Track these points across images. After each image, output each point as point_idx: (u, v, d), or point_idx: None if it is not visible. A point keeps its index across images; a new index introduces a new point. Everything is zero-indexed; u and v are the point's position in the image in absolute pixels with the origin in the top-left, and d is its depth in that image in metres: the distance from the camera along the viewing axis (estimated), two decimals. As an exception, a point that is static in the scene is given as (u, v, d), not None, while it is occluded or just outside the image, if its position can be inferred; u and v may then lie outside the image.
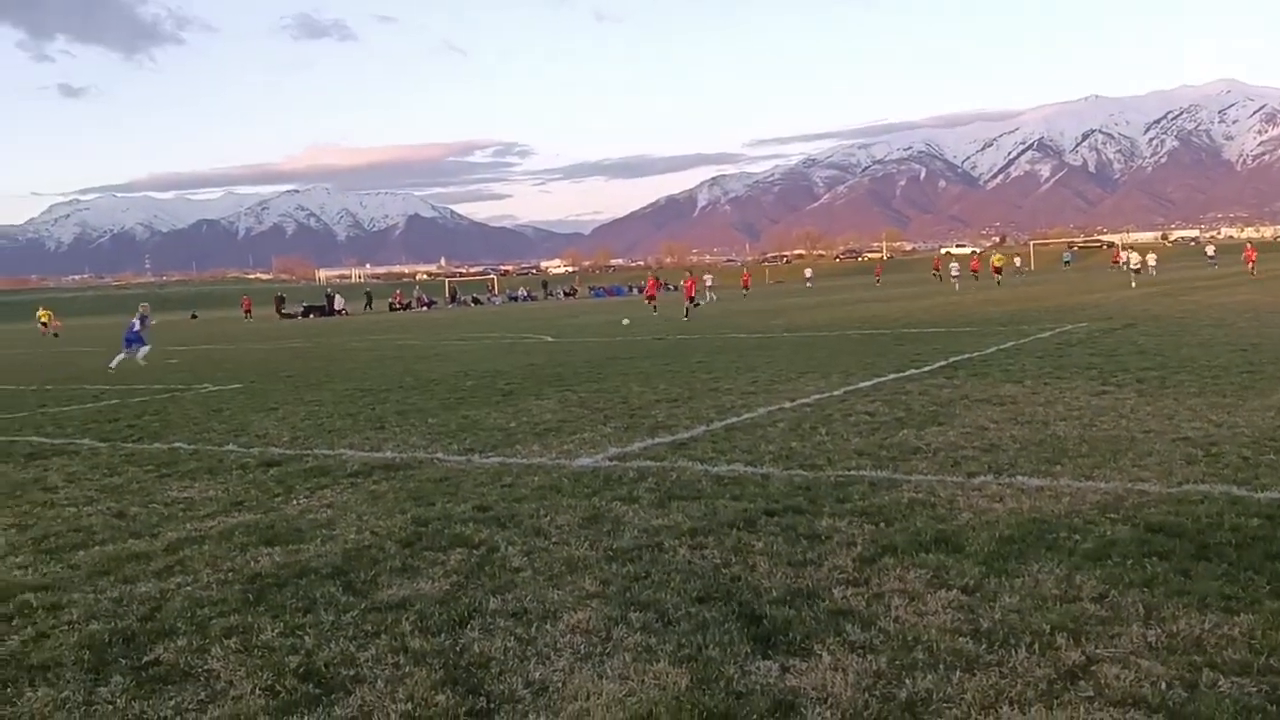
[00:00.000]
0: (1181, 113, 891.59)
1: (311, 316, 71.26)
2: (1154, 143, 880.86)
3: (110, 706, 4.09)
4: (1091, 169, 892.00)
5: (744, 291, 69.68)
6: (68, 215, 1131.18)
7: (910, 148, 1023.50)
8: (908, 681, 3.88)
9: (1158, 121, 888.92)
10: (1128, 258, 54.56)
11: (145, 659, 4.56)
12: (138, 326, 25.22)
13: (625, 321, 33.47)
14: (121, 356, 24.27)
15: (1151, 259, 53.06)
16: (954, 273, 57.30)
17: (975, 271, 62.89)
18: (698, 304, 44.85)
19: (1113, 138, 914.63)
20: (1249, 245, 61.99)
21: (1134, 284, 41.11)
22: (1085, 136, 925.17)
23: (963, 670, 3.95)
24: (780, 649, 4.24)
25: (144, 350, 24.96)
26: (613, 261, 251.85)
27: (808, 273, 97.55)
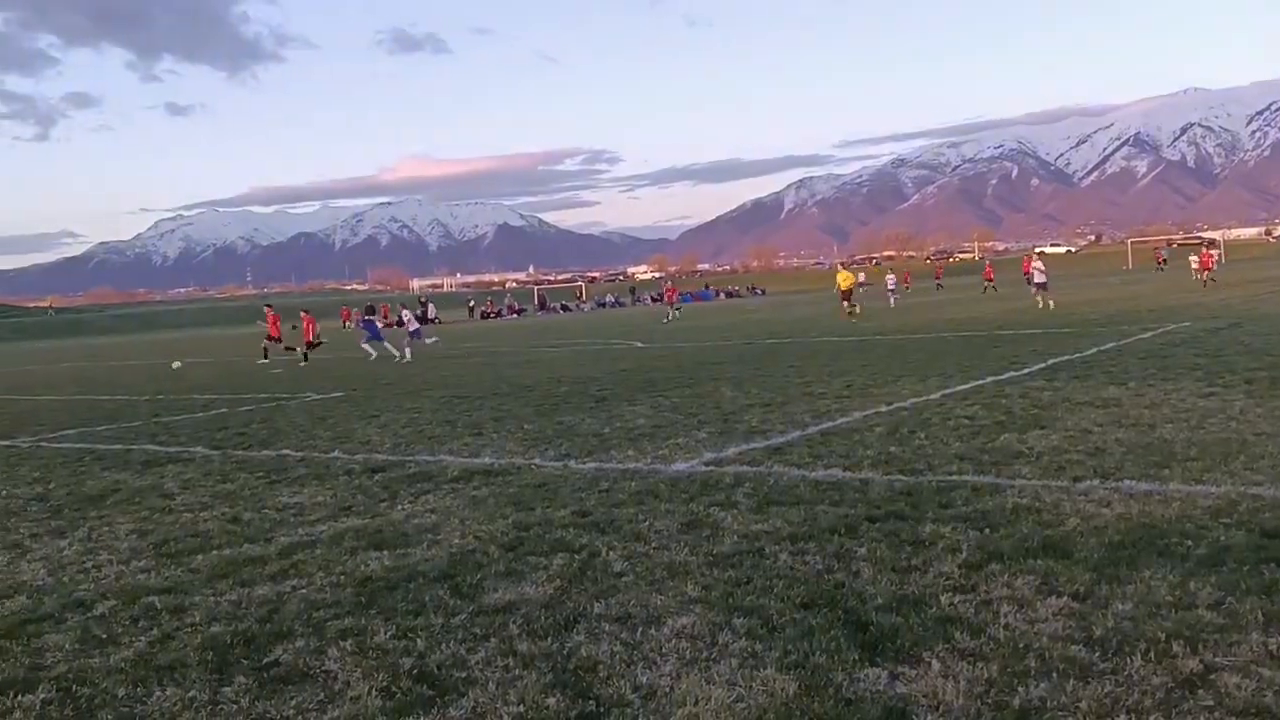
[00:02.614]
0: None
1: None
2: (1257, 135, 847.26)
3: (235, 706, 4.23)
4: (1190, 164, 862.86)
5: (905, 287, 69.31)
6: (173, 230, 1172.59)
7: (1001, 146, 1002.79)
8: (1020, 690, 3.82)
9: (1261, 113, 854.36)
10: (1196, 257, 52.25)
11: (265, 660, 4.72)
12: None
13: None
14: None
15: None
16: (889, 285, 49.32)
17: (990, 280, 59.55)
18: (679, 309, 47.96)
19: (1213, 131, 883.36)
20: None
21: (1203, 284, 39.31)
22: (1183, 130, 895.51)
23: (1076, 679, 3.88)
24: (888, 656, 4.22)
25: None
26: (699, 266, 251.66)
27: (861, 277, 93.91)
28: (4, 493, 9.90)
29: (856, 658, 4.21)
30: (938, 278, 77.64)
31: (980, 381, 13.29)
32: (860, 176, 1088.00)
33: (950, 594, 4.91)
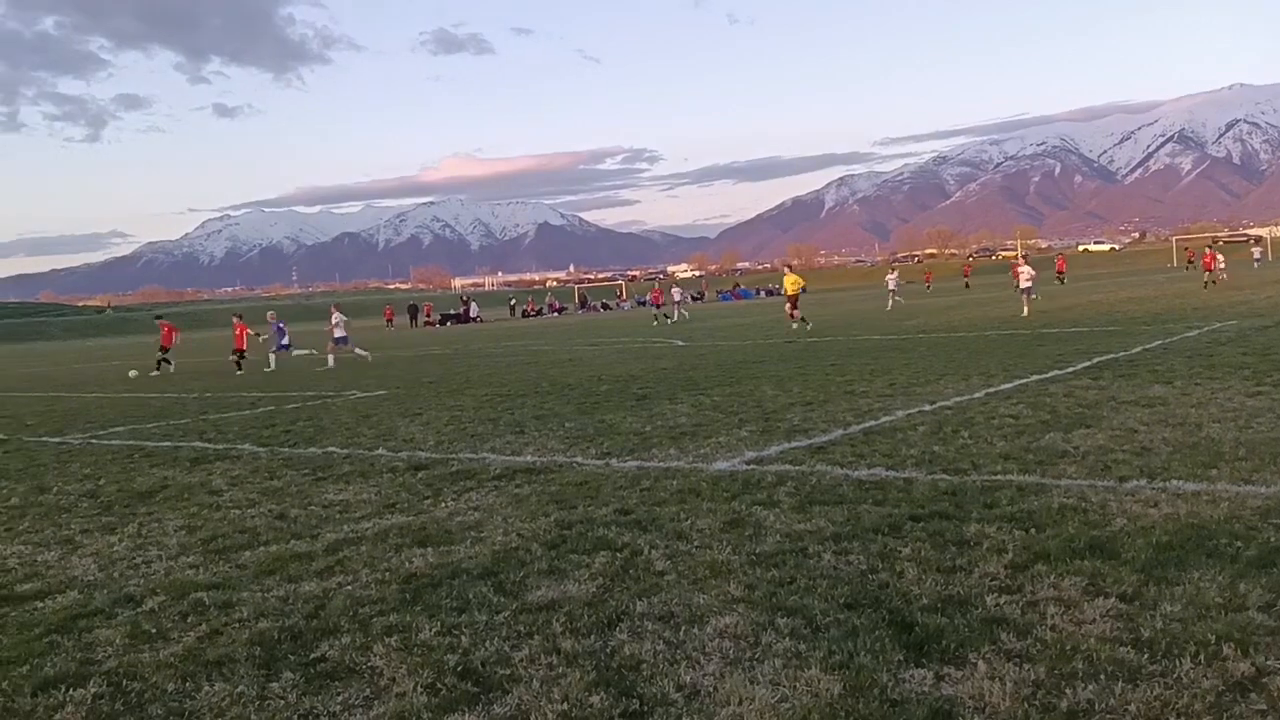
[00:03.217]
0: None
1: (449, 324, 73.21)
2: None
3: (282, 702, 4.28)
4: (1236, 160, 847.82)
5: (927, 287, 68.71)
6: (220, 230, 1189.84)
7: (1044, 143, 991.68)
8: (1068, 692, 3.78)
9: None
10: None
11: (312, 656, 4.77)
12: (280, 328, 28.23)
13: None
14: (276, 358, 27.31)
15: (1221, 261, 49.56)
16: (891, 286, 46.57)
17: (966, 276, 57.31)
18: (668, 315, 46.84)
19: (1259, 127, 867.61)
20: None
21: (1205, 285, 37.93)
22: (1229, 127, 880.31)
23: (1125, 681, 3.83)
24: (934, 657, 4.18)
25: (300, 351, 28.35)
26: (739, 265, 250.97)
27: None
28: (56, 489, 10.09)
29: (901, 658, 4.18)
30: (965, 275, 75.92)
31: (1024, 380, 13.14)
32: (902, 174, 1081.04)
33: (996, 595, 4.86)
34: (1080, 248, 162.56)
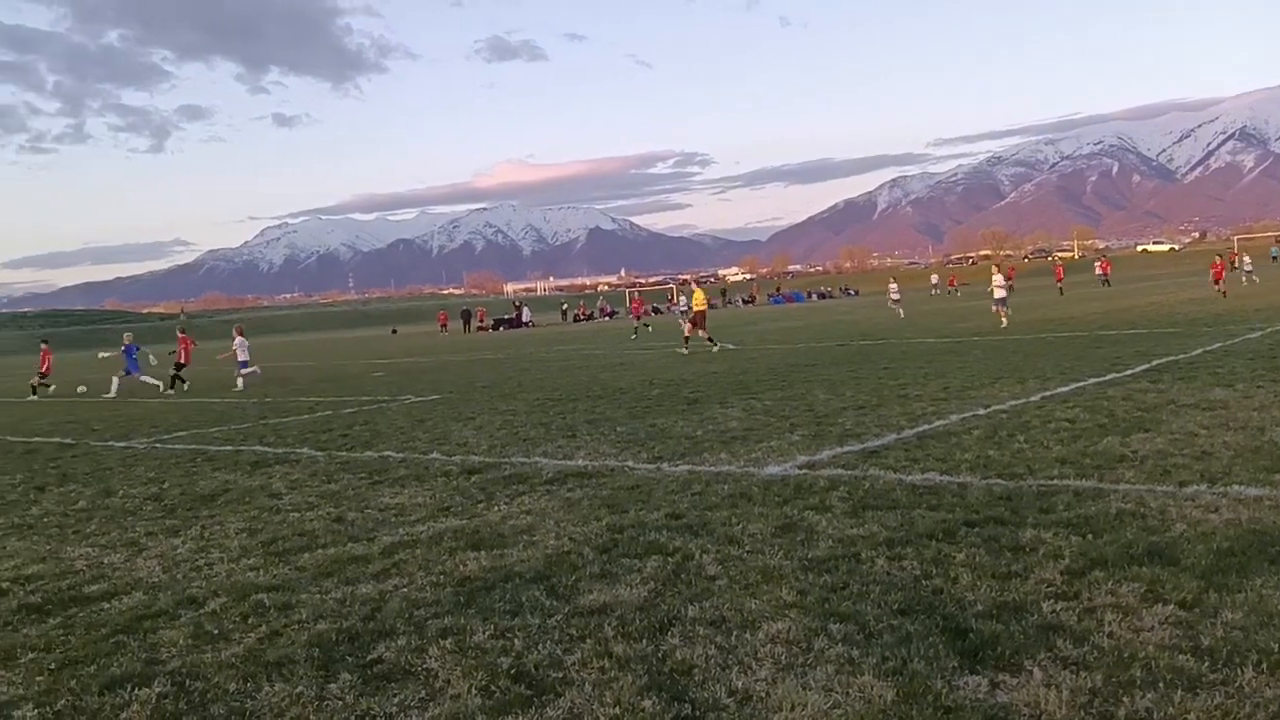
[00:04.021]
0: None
1: (501, 329, 73.74)
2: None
3: (340, 702, 4.35)
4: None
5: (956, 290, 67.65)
6: (278, 238, 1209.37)
7: (1101, 142, 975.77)
8: (1125, 700, 3.73)
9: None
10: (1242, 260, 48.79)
11: (369, 657, 4.84)
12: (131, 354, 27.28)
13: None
14: (118, 382, 26.41)
15: (1247, 261, 48.04)
16: (894, 295, 44.68)
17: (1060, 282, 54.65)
18: (648, 326, 44.81)
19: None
20: None
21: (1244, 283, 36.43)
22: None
23: (1184, 690, 3.77)
24: (989, 664, 4.15)
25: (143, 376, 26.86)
26: (791, 267, 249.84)
27: (934, 278, 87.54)
28: (121, 492, 10.33)
29: (956, 665, 4.15)
30: (1009, 278, 73.76)
31: (1081, 383, 12.96)
32: (955, 175, 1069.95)
33: (1052, 601, 4.81)
34: (1139, 248, 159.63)
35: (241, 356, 27.16)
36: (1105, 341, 19.58)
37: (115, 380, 26.68)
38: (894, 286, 46.49)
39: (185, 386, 26.56)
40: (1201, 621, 4.40)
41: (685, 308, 44.45)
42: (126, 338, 28.29)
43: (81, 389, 28.39)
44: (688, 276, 48.12)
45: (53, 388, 29.27)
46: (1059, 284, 53.78)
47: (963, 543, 5.90)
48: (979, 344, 21.65)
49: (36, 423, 20.04)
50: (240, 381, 26.09)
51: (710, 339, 28.19)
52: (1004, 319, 28.41)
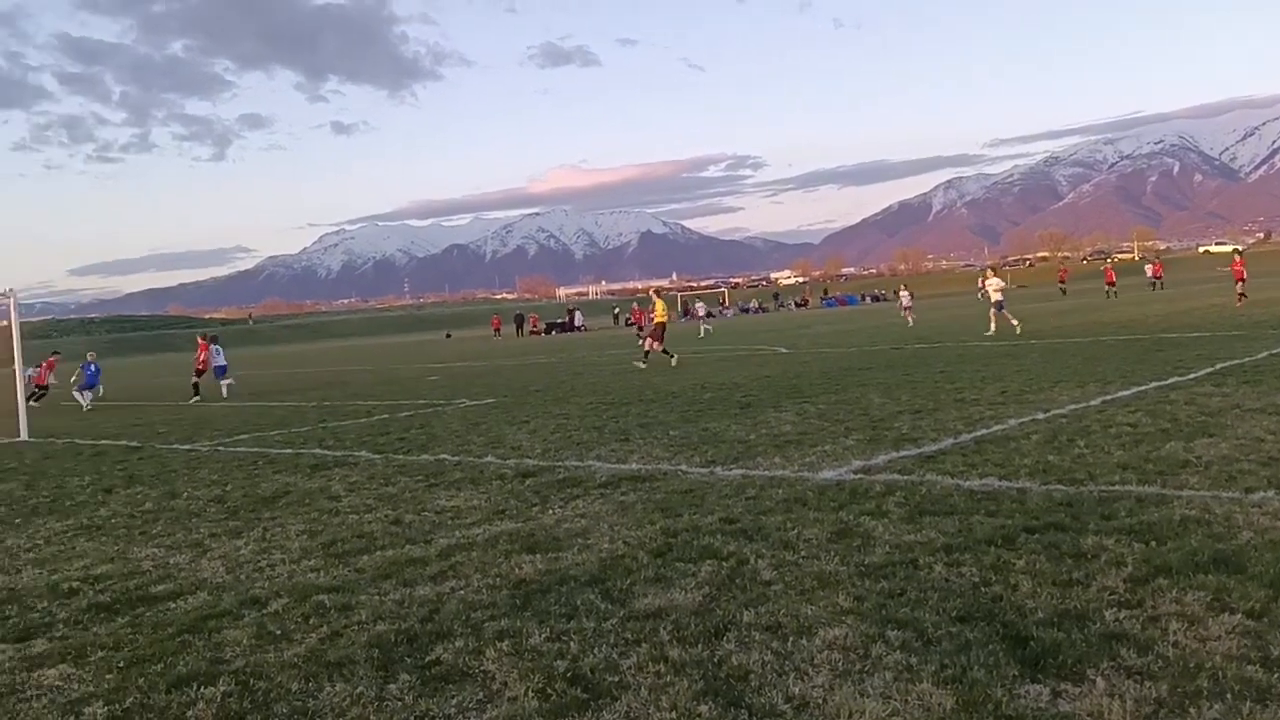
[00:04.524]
0: None
1: (553, 333, 74.11)
2: None
3: (399, 703, 4.39)
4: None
5: (1062, 287, 66.23)
6: (336, 244, 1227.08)
7: (1161, 141, 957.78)
8: (1192, 711, 3.66)
9: None
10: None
11: (427, 659, 4.88)
12: (94, 370, 27.33)
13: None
14: (88, 398, 26.45)
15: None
16: (905, 304, 42.40)
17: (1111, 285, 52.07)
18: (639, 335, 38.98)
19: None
20: None
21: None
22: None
23: (1253, 701, 3.69)
24: (1050, 672, 4.09)
25: (98, 391, 27.39)
26: (844, 270, 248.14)
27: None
28: (186, 494, 10.55)
29: (1016, 673, 4.10)
30: (1062, 280, 71.59)
31: (1142, 387, 12.73)
32: (1012, 175, 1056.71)
33: (1115, 609, 4.73)
34: (1201, 249, 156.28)
35: (218, 362, 27.71)
36: (1166, 344, 19.20)
37: (79, 395, 26.63)
38: (905, 294, 43.90)
39: (198, 398, 26.17)
40: (1270, 631, 4.31)
41: (709, 313, 42.01)
42: (90, 355, 28.22)
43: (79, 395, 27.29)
44: (655, 286, 46.31)
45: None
46: (1109, 287, 52.58)
47: (1022, 549, 5.82)
48: (1037, 347, 21.34)
49: (104, 426, 20.52)
50: (224, 389, 26.74)
51: (666, 351, 25.96)
52: (1014, 322, 27.35)
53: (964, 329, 31.76)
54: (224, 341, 29.93)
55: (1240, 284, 33.71)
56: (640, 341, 26.16)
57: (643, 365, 24.93)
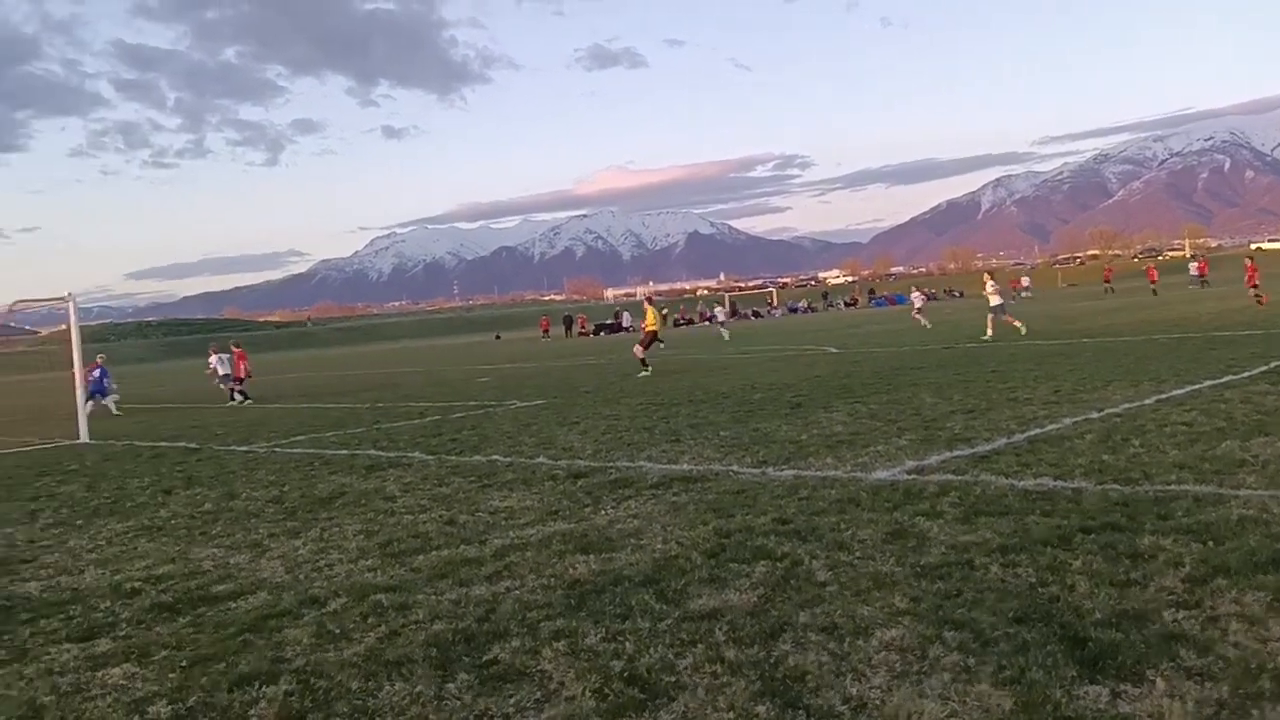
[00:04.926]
0: None
1: (602, 334, 74.30)
2: None
3: (458, 702, 4.46)
4: None
5: (1109, 286, 64.99)
6: (387, 247, 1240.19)
7: (1212, 138, 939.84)
8: (1254, 712, 3.62)
9: None
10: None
11: (485, 658, 4.94)
12: (97, 375, 26.16)
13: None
14: (90, 406, 24.24)
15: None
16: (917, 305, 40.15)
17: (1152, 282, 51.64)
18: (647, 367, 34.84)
19: None
20: None
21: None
22: None
23: (1319, 704, 3.64)
24: (1109, 673, 4.06)
25: (113, 399, 26.39)
26: (893, 269, 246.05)
27: (1025, 281, 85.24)
28: (244, 495, 10.74)
29: (1075, 674, 4.07)
30: (1107, 279, 69.97)
31: (1197, 386, 12.52)
32: (1061, 173, 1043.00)
33: (1173, 609, 4.68)
34: (1254, 246, 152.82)
35: (223, 370, 28.17)
36: (1219, 343, 18.85)
37: (89, 403, 24.80)
38: (917, 295, 41.42)
39: (247, 401, 26.26)
40: (1335, 632, 4.24)
41: (725, 317, 40.21)
42: (100, 358, 26.94)
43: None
44: (647, 294, 44.96)
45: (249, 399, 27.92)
46: (1152, 285, 51.56)
47: (1079, 549, 5.77)
48: (1090, 345, 21.05)
49: (162, 428, 20.93)
50: (236, 396, 26.91)
51: (643, 361, 24.76)
52: (1016, 324, 26.87)
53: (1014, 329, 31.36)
54: (278, 344, 30.47)
55: (1253, 289, 32.77)
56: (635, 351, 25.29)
57: (647, 373, 23.96)
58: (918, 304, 40.43)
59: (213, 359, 29.22)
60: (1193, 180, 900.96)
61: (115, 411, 25.92)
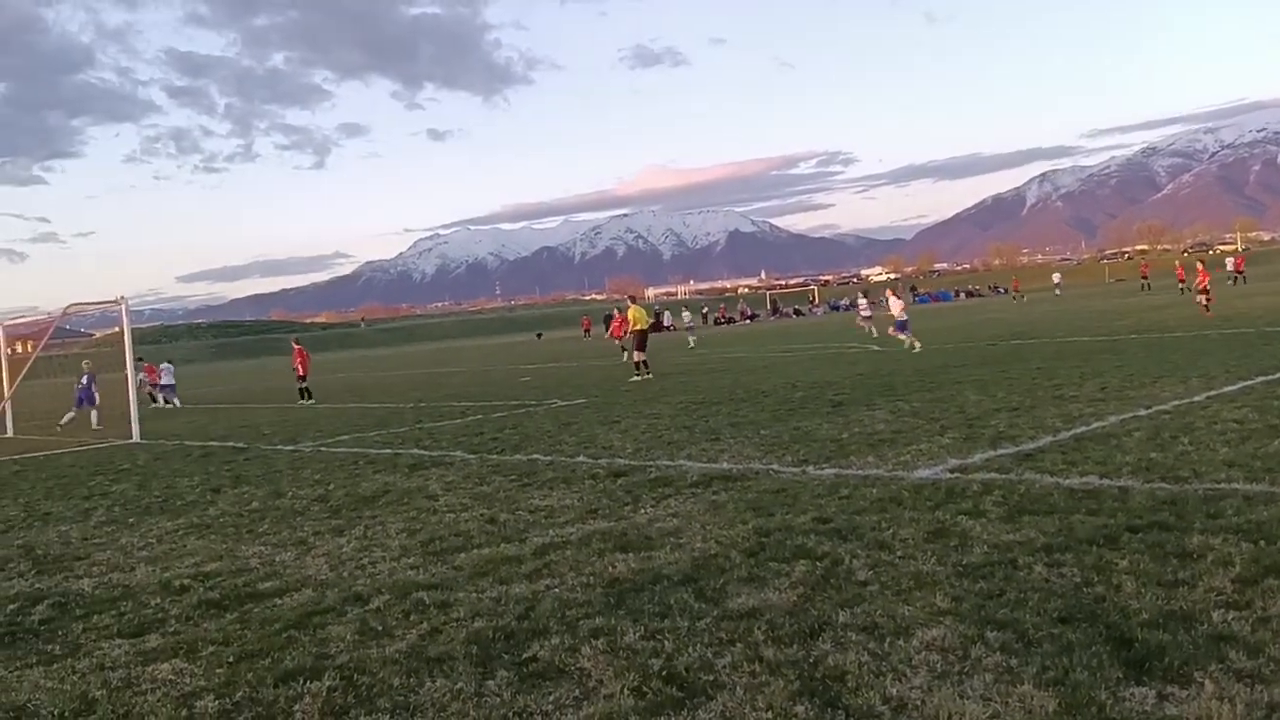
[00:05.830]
0: None
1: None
2: None
3: (498, 699, 4.47)
4: None
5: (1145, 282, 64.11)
6: (430, 249, 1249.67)
7: (1265, 129, 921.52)
8: (1307, 717, 3.54)
9: None
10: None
11: (524, 655, 4.96)
12: (85, 383, 24.98)
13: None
14: (72, 415, 24.34)
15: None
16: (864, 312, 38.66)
17: (1183, 282, 50.12)
18: (624, 348, 33.23)
19: None
20: None
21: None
22: None
23: (1374, 708, 3.56)
24: (1156, 675, 3.99)
25: (94, 411, 24.48)
26: (937, 266, 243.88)
27: (1056, 278, 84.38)
28: (290, 494, 10.87)
29: (1120, 675, 4.01)
30: (1144, 275, 68.56)
31: (1249, 382, 12.28)
32: (1108, 167, 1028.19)
33: (1222, 610, 4.59)
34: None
35: (165, 380, 30.15)
36: (1273, 338, 18.49)
37: (73, 413, 24.65)
38: (863, 302, 40.02)
39: (312, 400, 26.14)
40: (1391, 635, 4.14)
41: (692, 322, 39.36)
42: (86, 364, 25.80)
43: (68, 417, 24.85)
44: (630, 294, 44.13)
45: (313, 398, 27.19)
46: (1180, 284, 50.63)
47: (1125, 549, 5.68)
48: (1137, 342, 20.73)
49: (211, 428, 21.24)
50: (173, 401, 28.90)
51: (638, 366, 23.99)
52: (910, 342, 25.80)
53: (1059, 324, 30.98)
54: (327, 344, 31.13)
55: (1204, 293, 30.17)
56: (630, 357, 24.45)
57: (648, 376, 23.50)
58: (864, 311, 38.73)
59: (164, 365, 31.80)
60: (1245, 173, 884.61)
61: (95, 425, 23.76)
